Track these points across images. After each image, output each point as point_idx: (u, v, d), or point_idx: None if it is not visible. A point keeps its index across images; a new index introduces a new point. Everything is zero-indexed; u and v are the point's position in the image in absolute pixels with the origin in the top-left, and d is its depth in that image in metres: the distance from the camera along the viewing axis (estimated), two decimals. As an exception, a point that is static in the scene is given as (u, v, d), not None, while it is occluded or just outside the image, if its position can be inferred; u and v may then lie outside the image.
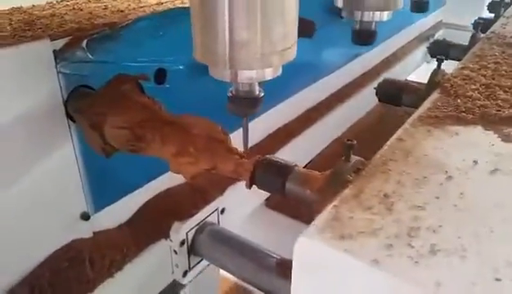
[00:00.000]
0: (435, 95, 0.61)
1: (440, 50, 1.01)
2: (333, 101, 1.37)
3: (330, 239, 0.32)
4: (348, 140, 0.43)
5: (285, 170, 0.46)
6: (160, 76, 0.76)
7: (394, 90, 0.74)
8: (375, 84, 1.60)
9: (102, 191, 0.72)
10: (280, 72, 0.51)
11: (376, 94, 0.83)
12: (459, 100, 0.58)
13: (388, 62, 1.75)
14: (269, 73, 0.49)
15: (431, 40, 2.10)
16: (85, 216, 0.69)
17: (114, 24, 0.66)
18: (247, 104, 0.52)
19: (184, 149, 0.51)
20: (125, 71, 0.65)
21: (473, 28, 1.05)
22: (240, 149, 0.53)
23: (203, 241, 0.82)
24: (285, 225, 1.04)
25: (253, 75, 0.48)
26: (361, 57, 1.53)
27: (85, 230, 0.71)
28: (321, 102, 1.35)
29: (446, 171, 0.42)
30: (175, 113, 0.56)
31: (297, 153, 1.17)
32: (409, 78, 1.97)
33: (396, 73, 1.75)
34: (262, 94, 0.53)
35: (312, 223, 0.34)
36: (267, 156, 0.48)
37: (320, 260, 0.33)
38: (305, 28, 1.07)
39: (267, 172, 0.46)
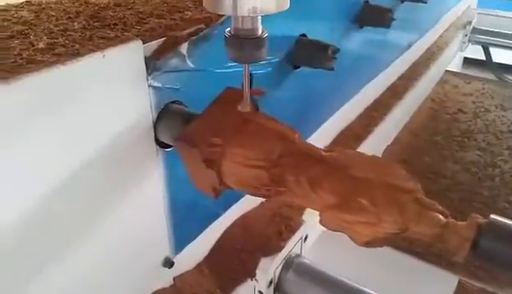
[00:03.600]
0: None
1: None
2: (389, 98, 1.23)
3: None
4: None
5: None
6: (248, 82, 0.62)
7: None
8: (425, 76, 1.48)
9: (184, 229, 0.58)
10: (288, 5, 0.40)
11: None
12: None
13: (432, 53, 1.62)
14: (274, 4, 0.38)
15: (467, 28, 1.98)
16: (168, 263, 0.55)
17: (209, 19, 0.51)
18: (249, 46, 0.41)
19: (351, 201, 0.37)
20: (215, 79, 0.51)
21: None
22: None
23: (292, 279, 0.69)
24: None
25: (257, 4, 0.37)
26: (409, 49, 1.40)
27: (166, 278, 0.57)
28: (378, 100, 1.21)
29: None
30: (321, 147, 0.42)
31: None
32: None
33: (441, 63, 1.63)
34: (266, 34, 0.41)
35: None
36: (492, 216, 0.34)
37: None
38: (383, 17, 0.92)
39: (501, 242, 0.32)
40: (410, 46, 1.37)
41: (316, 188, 0.39)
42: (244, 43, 0.41)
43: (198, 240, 0.62)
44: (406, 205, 0.36)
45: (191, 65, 0.47)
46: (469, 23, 1.94)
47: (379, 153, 1.18)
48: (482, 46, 2.12)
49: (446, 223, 0.35)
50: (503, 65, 2.25)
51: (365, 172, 0.38)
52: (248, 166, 0.41)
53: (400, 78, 1.36)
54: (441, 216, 0.35)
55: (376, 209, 0.36)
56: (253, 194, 0.42)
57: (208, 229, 0.64)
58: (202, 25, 0.49)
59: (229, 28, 0.41)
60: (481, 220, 0.34)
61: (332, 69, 0.71)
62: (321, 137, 0.91)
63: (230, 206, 0.68)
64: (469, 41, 2.01)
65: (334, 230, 0.39)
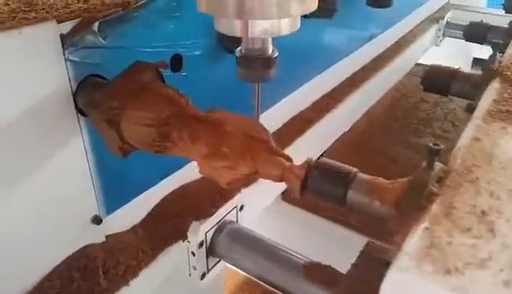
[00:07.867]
0: (496, 84, 0.54)
1: (477, 33, 0.94)
2: (347, 87, 1.30)
3: (433, 275, 0.26)
4: (435, 143, 0.36)
5: (346, 176, 0.39)
6: (176, 62, 0.69)
7: (442, 78, 0.67)
8: (388, 68, 1.54)
9: (114, 191, 0.65)
10: (298, 26, 0.42)
11: (421, 82, 0.76)
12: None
13: (399, 45, 1.68)
14: (286, 26, 0.40)
15: (440, 22, 2.03)
16: (97, 220, 0.63)
17: (127, 3, 0.58)
18: (260, 66, 0.43)
19: (217, 150, 0.44)
20: (139, 57, 0.58)
21: (504, 8, 0.98)
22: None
23: (223, 242, 0.76)
24: (302, 219, 0.98)
25: (267, 27, 0.39)
26: (373, 40, 1.46)
27: (97, 234, 0.64)
28: (335, 88, 1.28)
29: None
30: (204, 108, 0.49)
31: (314, 142, 1.10)
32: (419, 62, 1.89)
33: (408, 56, 1.68)
34: (277, 54, 0.43)
35: (403, 251, 0.28)
36: (322, 159, 0.41)
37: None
38: (325, 9, 0.99)
39: (323, 179, 0.39)
40: (372, 38, 1.43)
41: (194, 141, 0.46)
42: (255, 63, 0.43)
43: (132, 204, 0.70)
44: (257, 152, 0.43)
45: (103, 42, 0.54)
46: (442, 17, 1.99)
47: (333, 137, 1.25)
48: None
49: (288, 166, 0.42)
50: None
51: (233, 128, 0.45)
52: (141, 124, 0.48)
53: (362, 69, 1.43)
54: (285, 161, 0.42)
55: (235, 156, 0.43)
56: (149, 151, 0.50)
57: (143, 195, 0.71)
58: (119, 8, 0.56)
59: (240, 48, 0.44)
60: (312, 161, 0.41)
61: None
62: (270, 119, 0.98)
63: (166, 175, 0.75)
64: (444, 35, 2.06)
65: (208, 176, 0.46)
